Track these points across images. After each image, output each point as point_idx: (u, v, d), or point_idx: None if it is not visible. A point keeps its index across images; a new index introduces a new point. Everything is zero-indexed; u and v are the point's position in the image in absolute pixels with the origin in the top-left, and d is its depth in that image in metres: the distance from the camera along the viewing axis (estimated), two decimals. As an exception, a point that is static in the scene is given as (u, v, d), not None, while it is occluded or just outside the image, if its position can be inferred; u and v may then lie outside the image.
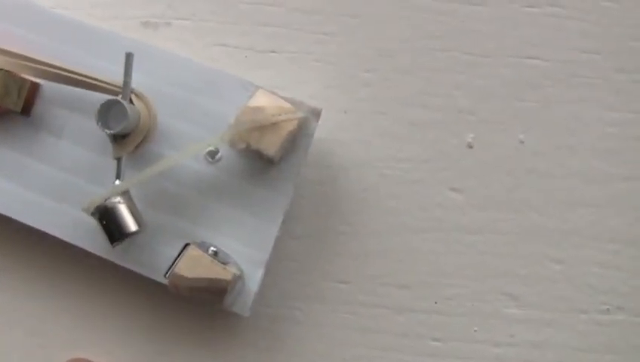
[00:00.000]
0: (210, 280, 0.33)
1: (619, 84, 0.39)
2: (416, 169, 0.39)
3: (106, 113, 0.33)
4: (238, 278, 0.34)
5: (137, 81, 0.35)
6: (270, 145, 0.34)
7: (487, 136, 0.39)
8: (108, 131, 0.33)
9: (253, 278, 0.35)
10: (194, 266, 0.33)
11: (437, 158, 0.39)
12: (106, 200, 0.33)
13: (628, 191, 0.39)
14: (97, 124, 0.33)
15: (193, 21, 0.39)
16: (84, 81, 0.35)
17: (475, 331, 0.38)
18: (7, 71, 0.35)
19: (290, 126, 0.34)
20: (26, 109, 0.35)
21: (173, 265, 0.34)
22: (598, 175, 0.39)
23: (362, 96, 0.39)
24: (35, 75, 0.35)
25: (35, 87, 0.36)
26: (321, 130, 0.36)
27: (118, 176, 0.34)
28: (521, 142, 0.39)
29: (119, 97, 0.34)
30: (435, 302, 0.38)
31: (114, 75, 0.35)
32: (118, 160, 0.34)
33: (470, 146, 0.39)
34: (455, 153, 0.39)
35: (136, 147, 0.35)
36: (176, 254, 0.35)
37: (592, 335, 0.38)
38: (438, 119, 0.39)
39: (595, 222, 0.39)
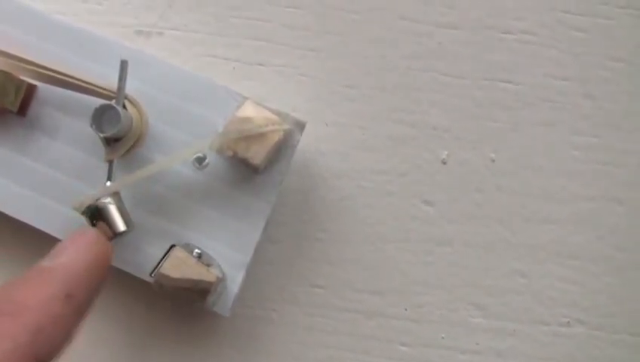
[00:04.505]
0: (194, 281, 0.34)
1: (586, 109, 0.40)
2: (392, 182, 0.40)
3: (100, 117, 0.34)
4: (221, 280, 0.35)
5: (131, 87, 0.35)
6: (256, 155, 0.35)
7: (460, 153, 0.40)
8: (101, 134, 0.34)
9: (235, 280, 0.36)
10: (179, 267, 0.34)
11: (412, 172, 0.40)
12: (96, 200, 0.34)
13: (590, 210, 0.40)
14: (91, 127, 0.34)
15: (184, 32, 0.40)
16: (80, 85, 0.36)
17: (443, 338, 0.39)
18: (5, 72, 0.35)
19: (276, 137, 0.35)
20: (22, 110, 0.36)
21: (158, 265, 0.35)
22: (562, 194, 0.40)
23: (344, 111, 0.40)
24: (32, 77, 0.36)
25: (31, 89, 0.36)
26: (303, 141, 0.37)
27: (109, 178, 0.35)
28: (492, 160, 0.40)
29: (113, 102, 0.34)
30: (405, 309, 0.39)
31: (108, 79, 0.35)
32: (110, 162, 0.35)
33: (444, 162, 0.40)
34: (429, 168, 0.40)
35: (128, 151, 0.36)
36: (162, 255, 0.36)
37: (552, 346, 0.40)
38: (414, 135, 0.40)
39: (559, 239, 0.40)
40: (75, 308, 0.30)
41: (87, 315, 0.31)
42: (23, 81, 0.36)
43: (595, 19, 0.41)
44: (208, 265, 0.35)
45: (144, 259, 0.36)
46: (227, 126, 0.35)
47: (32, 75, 0.36)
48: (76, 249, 0.31)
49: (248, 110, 0.35)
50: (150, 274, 0.36)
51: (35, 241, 0.36)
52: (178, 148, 0.36)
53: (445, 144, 0.40)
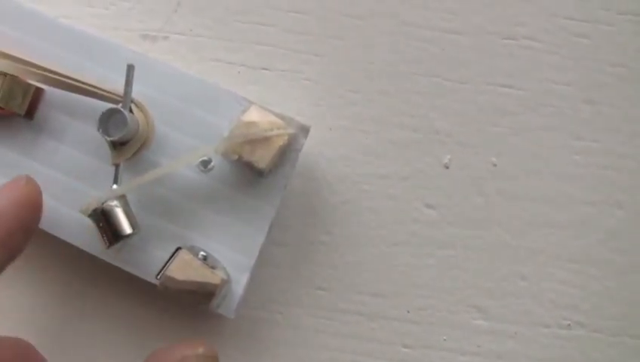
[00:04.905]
0: (200, 283, 0.35)
1: (586, 114, 0.41)
2: (395, 185, 0.40)
3: (107, 121, 0.34)
4: (226, 282, 0.35)
5: (137, 91, 0.36)
6: (261, 159, 0.35)
7: (462, 157, 0.40)
8: (108, 138, 0.34)
9: (239, 282, 0.36)
10: (185, 269, 0.35)
11: (414, 176, 0.40)
12: (103, 203, 0.34)
13: (590, 214, 0.40)
14: (98, 130, 0.34)
15: (190, 36, 0.41)
16: (87, 89, 0.36)
17: (444, 340, 0.40)
18: (13, 76, 0.36)
19: (281, 141, 0.35)
20: (30, 113, 0.37)
21: (164, 267, 0.35)
22: (563, 198, 0.40)
23: (347, 115, 0.40)
24: (40, 81, 0.36)
25: (39, 92, 0.37)
26: (307, 145, 0.37)
27: (115, 181, 0.35)
28: (494, 164, 0.40)
29: (120, 106, 0.35)
30: (408, 311, 0.40)
31: (115, 83, 0.36)
32: (116, 166, 0.35)
33: (446, 167, 0.40)
34: (431, 172, 0.40)
35: (134, 154, 0.36)
36: (167, 257, 0.36)
37: (553, 348, 0.40)
38: (417, 140, 0.40)
39: (559, 243, 0.40)
40: None
41: (13, 253, 0.32)
42: (30, 84, 0.36)
43: (596, 25, 0.41)
44: (213, 268, 0.35)
45: (150, 261, 0.36)
46: (232, 130, 0.36)
47: (39, 78, 0.36)
48: (2, 189, 0.32)
49: (253, 114, 0.36)
50: (156, 277, 0.36)
51: (40, 242, 0.37)
52: (184, 152, 0.37)
53: (447, 148, 0.40)
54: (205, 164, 0.37)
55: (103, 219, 0.34)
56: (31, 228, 0.33)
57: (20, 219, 0.32)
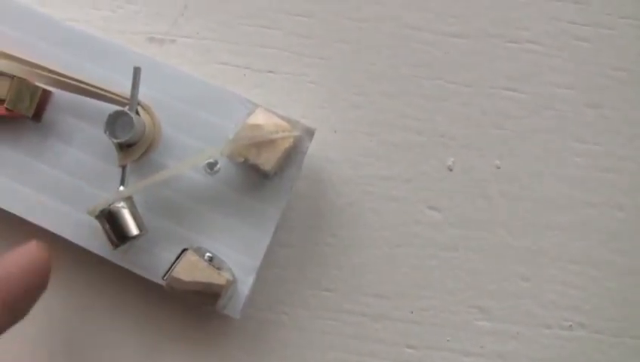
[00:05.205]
0: (206, 284, 0.35)
1: (588, 117, 0.41)
2: (398, 187, 0.40)
3: (114, 123, 0.35)
4: (232, 283, 0.36)
5: (144, 94, 0.36)
6: (267, 161, 0.35)
7: (466, 160, 0.41)
8: (115, 140, 0.35)
9: (245, 283, 0.37)
10: (191, 270, 0.35)
11: (418, 179, 0.41)
12: (110, 204, 0.34)
13: (591, 216, 0.41)
14: (105, 133, 0.34)
15: (196, 39, 0.41)
16: (94, 92, 0.36)
17: (448, 340, 0.40)
18: (21, 78, 0.36)
19: (286, 143, 0.36)
20: (38, 115, 0.37)
21: (171, 268, 0.36)
22: (565, 201, 0.41)
23: (351, 118, 0.41)
24: (47, 84, 0.36)
25: (46, 95, 0.37)
26: (312, 147, 0.38)
27: (122, 183, 0.35)
28: (498, 167, 0.41)
29: (126, 108, 0.35)
30: (411, 312, 0.40)
31: (122, 86, 0.36)
32: (123, 167, 0.36)
33: (450, 169, 0.41)
34: (435, 174, 0.41)
35: (141, 156, 0.36)
36: (174, 258, 0.36)
37: (554, 349, 0.40)
38: (420, 142, 0.41)
39: (561, 244, 0.41)
40: (1, 305, 0.31)
41: (16, 316, 0.32)
42: (37, 87, 0.36)
43: (597, 29, 0.41)
44: (219, 269, 0.36)
45: (156, 262, 0.37)
46: (238, 132, 0.36)
47: (47, 81, 0.36)
48: (12, 254, 0.32)
49: (259, 117, 0.36)
50: (162, 278, 0.36)
51: (47, 243, 0.37)
52: (190, 154, 0.37)
53: (451, 151, 0.41)
54: (211, 166, 0.37)
55: (109, 220, 0.34)
56: (37, 294, 0.33)
57: (28, 285, 0.32)
